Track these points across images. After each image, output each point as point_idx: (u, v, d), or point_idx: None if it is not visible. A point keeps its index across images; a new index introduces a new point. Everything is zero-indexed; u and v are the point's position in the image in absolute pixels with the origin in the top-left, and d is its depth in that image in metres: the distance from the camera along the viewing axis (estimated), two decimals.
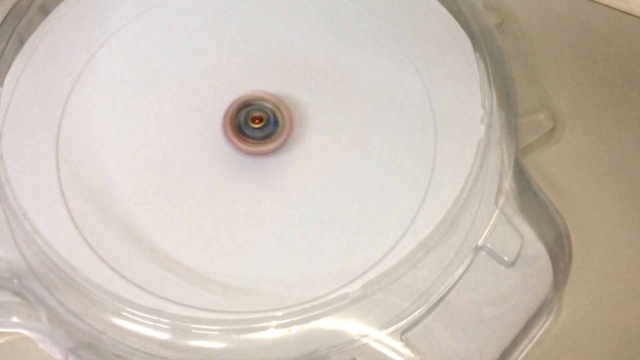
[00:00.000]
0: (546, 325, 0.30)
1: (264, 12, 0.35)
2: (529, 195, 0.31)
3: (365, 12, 0.35)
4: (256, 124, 0.31)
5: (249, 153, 0.31)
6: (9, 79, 0.32)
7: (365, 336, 0.27)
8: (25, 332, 0.29)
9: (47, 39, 0.34)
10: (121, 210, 0.30)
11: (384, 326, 0.28)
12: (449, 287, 0.29)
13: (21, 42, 0.34)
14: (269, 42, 0.34)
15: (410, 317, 0.28)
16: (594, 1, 0.39)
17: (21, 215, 0.28)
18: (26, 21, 0.34)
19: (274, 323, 0.27)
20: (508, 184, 0.31)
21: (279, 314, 0.27)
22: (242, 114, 0.31)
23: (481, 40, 0.33)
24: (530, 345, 0.30)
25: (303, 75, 0.33)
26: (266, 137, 0.31)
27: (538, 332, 0.30)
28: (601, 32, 0.38)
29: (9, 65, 0.33)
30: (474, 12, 0.34)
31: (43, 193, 0.30)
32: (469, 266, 0.29)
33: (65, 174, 0.30)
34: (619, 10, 0.39)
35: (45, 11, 0.35)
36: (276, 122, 0.31)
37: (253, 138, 0.31)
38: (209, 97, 0.32)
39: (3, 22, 0.33)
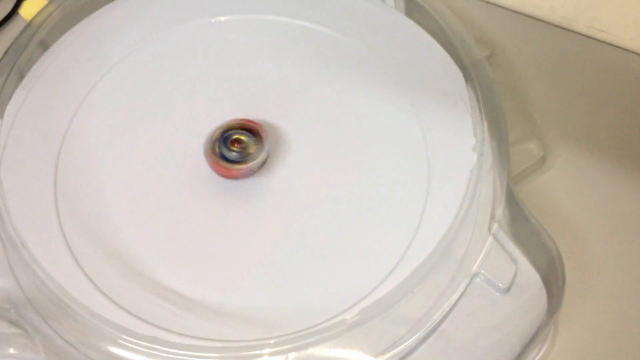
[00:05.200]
0: (542, 351, 0.30)
1: (253, 46, 0.36)
2: (521, 222, 0.31)
3: (358, 45, 0.36)
4: (235, 147, 0.32)
5: (229, 176, 0.31)
6: (8, 111, 0.33)
7: None
8: None
9: (46, 73, 0.35)
10: (117, 240, 0.30)
11: (381, 353, 0.28)
12: (445, 313, 0.29)
13: (21, 76, 0.34)
14: (258, 74, 0.35)
15: (407, 343, 0.28)
16: (580, 33, 0.40)
17: (19, 244, 0.29)
18: (26, 56, 0.34)
19: (267, 350, 0.27)
20: (501, 211, 0.31)
21: (272, 341, 0.27)
22: (222, 139, 0.32)
23: (472, 71, 0.34)
24: None
25: (293, 103, 0.34)
26: (246, 158, 0.32)
27: (535, 358, 0.30)
28: (587, 63, 0.39)
29: (9, 98, 0.33)
30: (465, 45, 0.35)
31: (41, 223, 0.30)
32: (464, 292, 0.29)
33: (63, 204, 0.31)
34: (604, 42, 0.40)
35: (44, 46, 0.36)
36: (255, 145, 0.32)
37: (235, 161, 0.31)
38: (195, 127, 0.33)
39: (4, 56, 0.34)
